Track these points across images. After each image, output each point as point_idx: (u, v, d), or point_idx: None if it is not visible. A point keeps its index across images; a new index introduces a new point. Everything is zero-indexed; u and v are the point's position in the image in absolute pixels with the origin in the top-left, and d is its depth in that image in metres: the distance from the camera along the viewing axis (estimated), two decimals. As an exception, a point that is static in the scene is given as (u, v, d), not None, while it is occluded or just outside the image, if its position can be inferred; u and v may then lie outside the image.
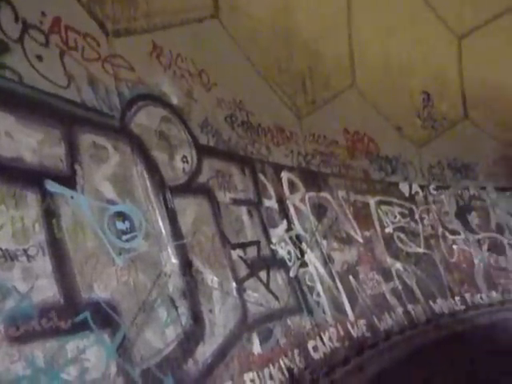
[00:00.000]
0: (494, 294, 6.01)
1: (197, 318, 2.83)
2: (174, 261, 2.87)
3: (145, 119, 3.12)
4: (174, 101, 3.46)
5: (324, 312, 4.08)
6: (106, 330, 2.25)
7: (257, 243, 3.75)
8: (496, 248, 6.50)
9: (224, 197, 3.62)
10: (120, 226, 2.60)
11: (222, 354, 2.88)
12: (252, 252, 3.66)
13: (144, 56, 3.35)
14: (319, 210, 4.76)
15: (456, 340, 4.87)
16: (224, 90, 4.07)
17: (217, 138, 3.82)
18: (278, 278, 3.81)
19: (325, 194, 4.96)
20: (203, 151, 3.56)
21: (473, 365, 4.46)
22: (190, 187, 3.29)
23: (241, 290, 3.32)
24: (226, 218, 3.52)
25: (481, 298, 5.88)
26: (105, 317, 2.27)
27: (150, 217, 2.84)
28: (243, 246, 3.58)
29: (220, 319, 3.00)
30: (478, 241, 6.42)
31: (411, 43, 6.33)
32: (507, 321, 5.54)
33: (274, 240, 3.98)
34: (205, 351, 2.76)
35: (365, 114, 5.89)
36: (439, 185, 6.51)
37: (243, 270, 3.47)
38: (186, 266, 2.94)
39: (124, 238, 2.59)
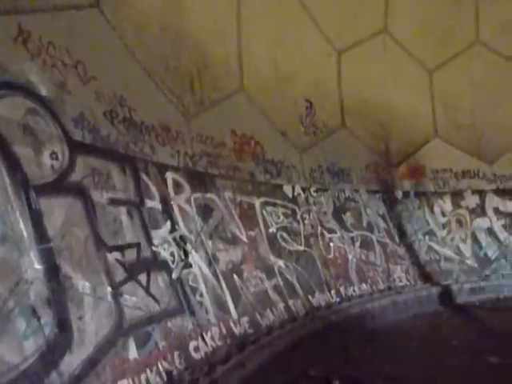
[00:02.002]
0: (364, 286, 6.65)
1: (63, 326, 2.61)
2: (38, 266, 2.61)
3: (6, 110, 2.78)
4: (43, 92, 3.15)
5: (207, 312, 4.08)
6: None
7: (137, 245, 3.61)
8: (367, 244, 7.21)
9: (100, 197, 3.40)
10: (-32, 229, 2.30)
11: (92, 362, 2.70)
12: (131, 254, 3.51)
13: (7, 40, 3.00)
14: (205, 210, 4.76)
15: (332, 329, 5.28)
16: (104, 84, 3.83)
17: (94, 134, 3.58)
18: (160, 281, 3.72)
19: (211, 195, 4.98)
20: (77, 148, 3.29)
21: (346, 351, 4.90)
22: (59, 186, 3.02)
23: (117, 295, 3.15)
24: (101, 220, 3.31)
25: (353, 290, 6.44)
26: None
27: (9, 218, 2.54)
28: (121, 248, 3.41)
29: (91, 326, 2.82)
30: (352, 238, 7.05)
31: (296, 54, 6.74)
32: (375, 309, 6.19)
33: (156, 241, 3.87)
34: (72, 361, 2.57)
35: (252, 118, 6.06)
36: (319, 187, 6.97)
37: (120, 274, 3.30)
38: (53, 272, 2.70)
39: (-26, 242, 2.30)
